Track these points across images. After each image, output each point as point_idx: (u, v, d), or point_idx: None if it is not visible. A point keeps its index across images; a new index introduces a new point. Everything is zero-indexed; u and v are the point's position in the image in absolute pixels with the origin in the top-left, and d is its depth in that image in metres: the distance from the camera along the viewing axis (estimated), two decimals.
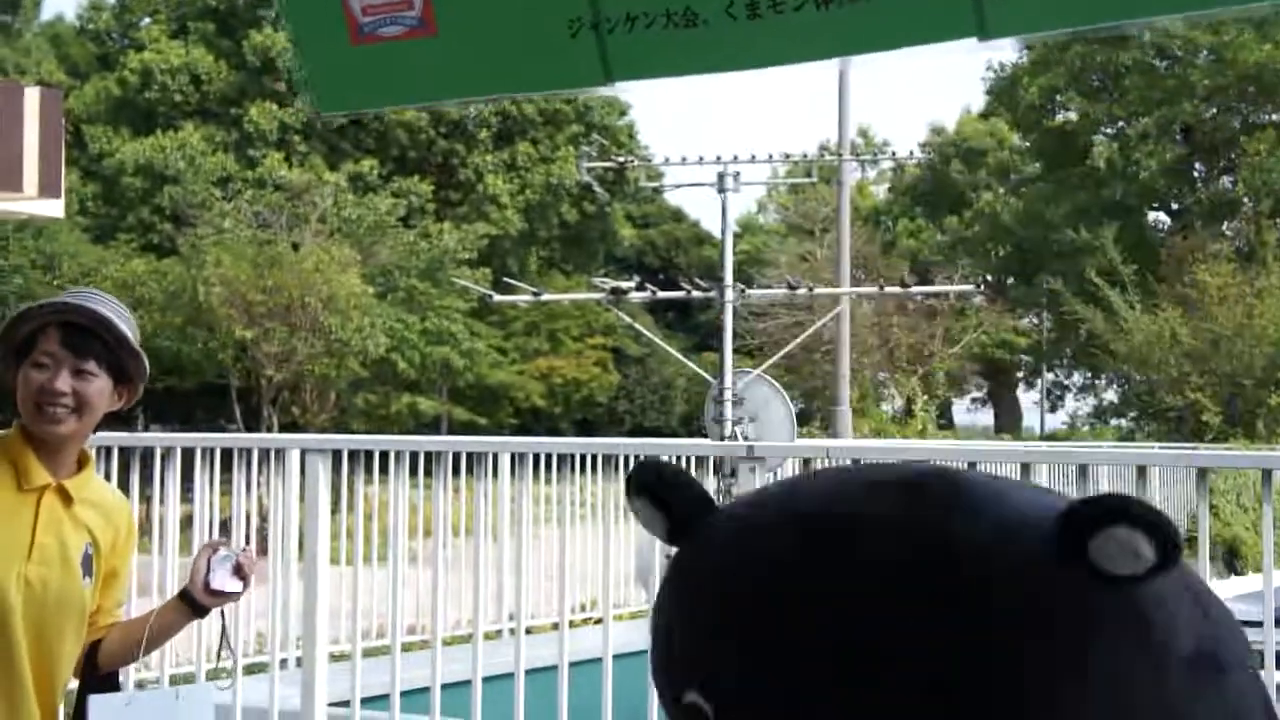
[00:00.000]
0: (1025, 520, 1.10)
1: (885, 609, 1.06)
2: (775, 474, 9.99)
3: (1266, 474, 3.99)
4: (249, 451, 5.97)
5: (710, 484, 9.59)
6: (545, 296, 22.43)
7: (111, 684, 3.06)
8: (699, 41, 2.09)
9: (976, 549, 1.08)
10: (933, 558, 1.07)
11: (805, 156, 21.63)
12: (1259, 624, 4.04)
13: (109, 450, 5.59)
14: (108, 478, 5.59)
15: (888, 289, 20.40)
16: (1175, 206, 41.21)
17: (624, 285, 17.15)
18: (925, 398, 30.48)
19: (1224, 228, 37.45)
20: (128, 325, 2.93)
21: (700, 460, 9.70)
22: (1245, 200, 38.80)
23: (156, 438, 6.17)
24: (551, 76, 2.27)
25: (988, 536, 1.09)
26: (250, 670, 5.84)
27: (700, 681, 1.15)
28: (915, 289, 26.35)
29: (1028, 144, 43.46)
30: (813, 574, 1.11)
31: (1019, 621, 1.05)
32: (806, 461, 5.80)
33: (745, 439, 10.76)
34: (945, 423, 40.82)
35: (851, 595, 1.08)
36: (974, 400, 51.40)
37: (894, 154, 38.43)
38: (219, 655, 6.31)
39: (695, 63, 2.13)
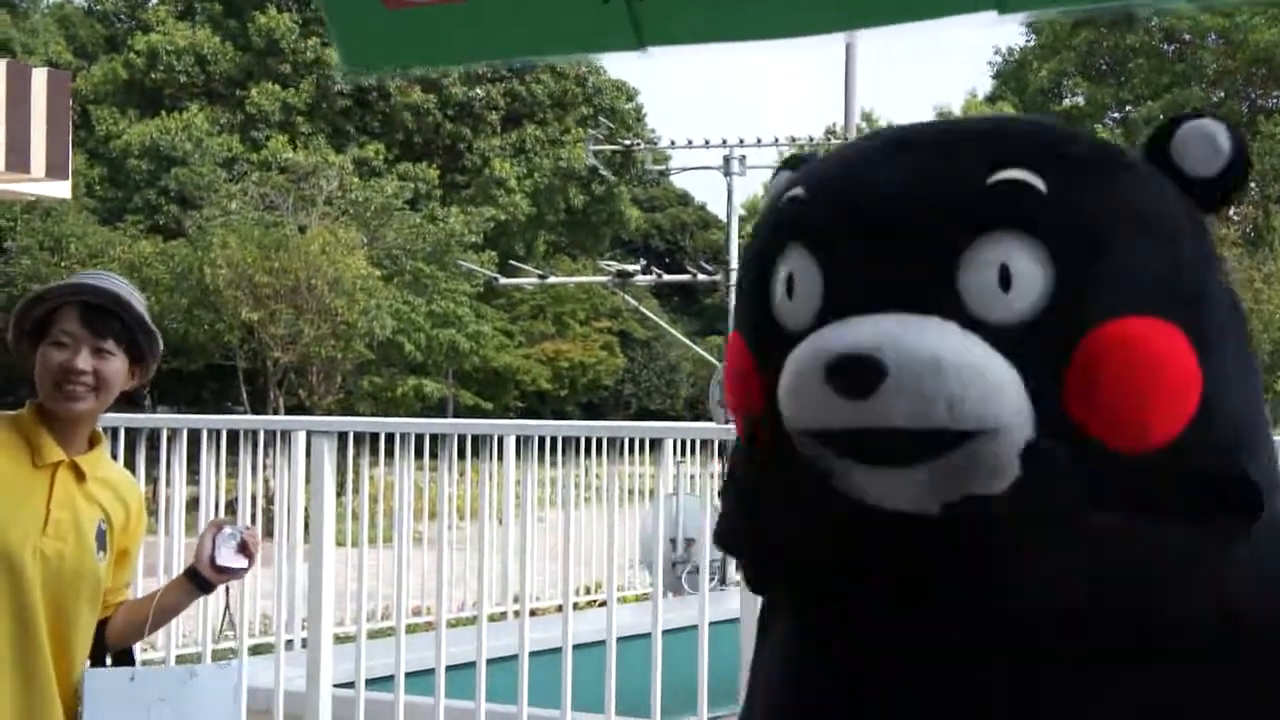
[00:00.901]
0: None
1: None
2: None
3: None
4: (255, 433, 5.98)
5: (715, 467, 9.60)
6: (551, 279, 22.47)
7: (125, 662, 3.08)
8: (728, 8, 2.10)
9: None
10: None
11: (811, 140, 21.60)
12: None
13: (115, 431, 5.61)
14: (114, 458, 5.61)
15: None
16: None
17: (630, 269, 17.17)
18: None
19: (1230, 212, 37.38)
20: (142, 306, 2.97)
21: (705, 443, 9.71)
22: (1252, 185, 38.76)
23: (163, 419, 6.18)
24: (582, 40, 2.26)
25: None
26: (255, 651, 5.87)
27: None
28: None
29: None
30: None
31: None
32: None
33: None
34: None
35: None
36: None
37: None
38: (221, 633, 6.34)
39: (724, 29, 2.14)
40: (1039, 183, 1.64)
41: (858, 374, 1.54)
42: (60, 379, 2.83)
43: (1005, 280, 1.61)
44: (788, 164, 1.88)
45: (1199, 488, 1.60)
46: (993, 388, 1.57)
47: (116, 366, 2.89)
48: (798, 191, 1.74)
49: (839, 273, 1.65)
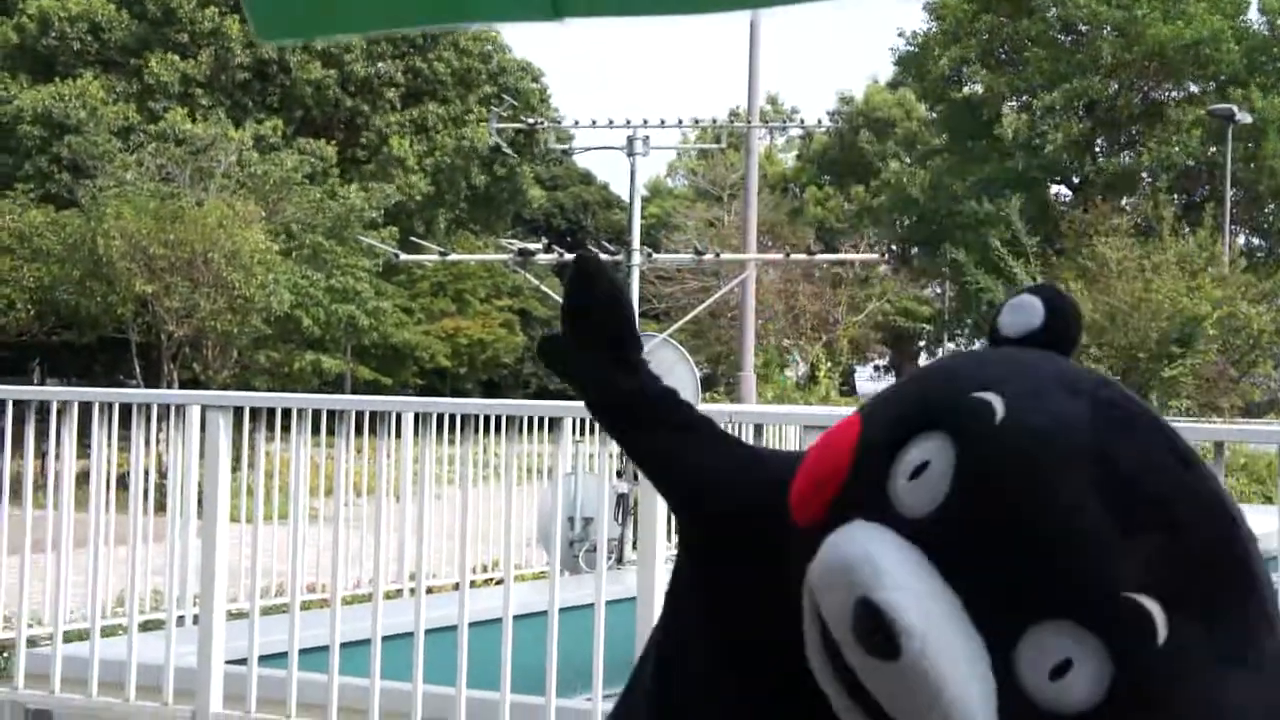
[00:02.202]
0: None
1: None
2: None
3: None
4: (149, 407, 5.89)
5: (614, 447, 9.61)
6: (452, 257, 22.33)
7: None
8: None
9: None
10: None
11: (714, 122, 21.66)
12: None
13: (3, 403, 5.50)
14: (1, 432, 5.49)
15: (794, 256, 20.52)
16: (1076, 180, 41.80)
17: (532, 247, 17.11)
18: (829, 364, 30.75)
19: (1123, 202, 38.05)
20: None
21: None
22: (1144, 175, 39.46)
23: (53, 391, 6.08)
24: (499, 7, 2.23)
25: None
26: (145, 627, 5.78)
27: None
28: (821, 256, 26.52)
29: (935, 115, 43.81)
30: None
31: None
32: None
33: None
34: (848, 389, 41.20)
35: None
36: (876, 368, 51.95)
37: (802, 122, 38.61)
38: (111, 609, 6.25)
39: (641, 3, 2.13)
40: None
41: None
42: None
43: (1058, 674, 1.29)
44: None
45: None
46: None
47: None
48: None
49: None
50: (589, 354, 1.71)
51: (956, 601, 1.23)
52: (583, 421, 9.08)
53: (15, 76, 30.55)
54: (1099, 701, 1.20)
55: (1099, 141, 41.73)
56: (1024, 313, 1.44)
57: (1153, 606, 1.20)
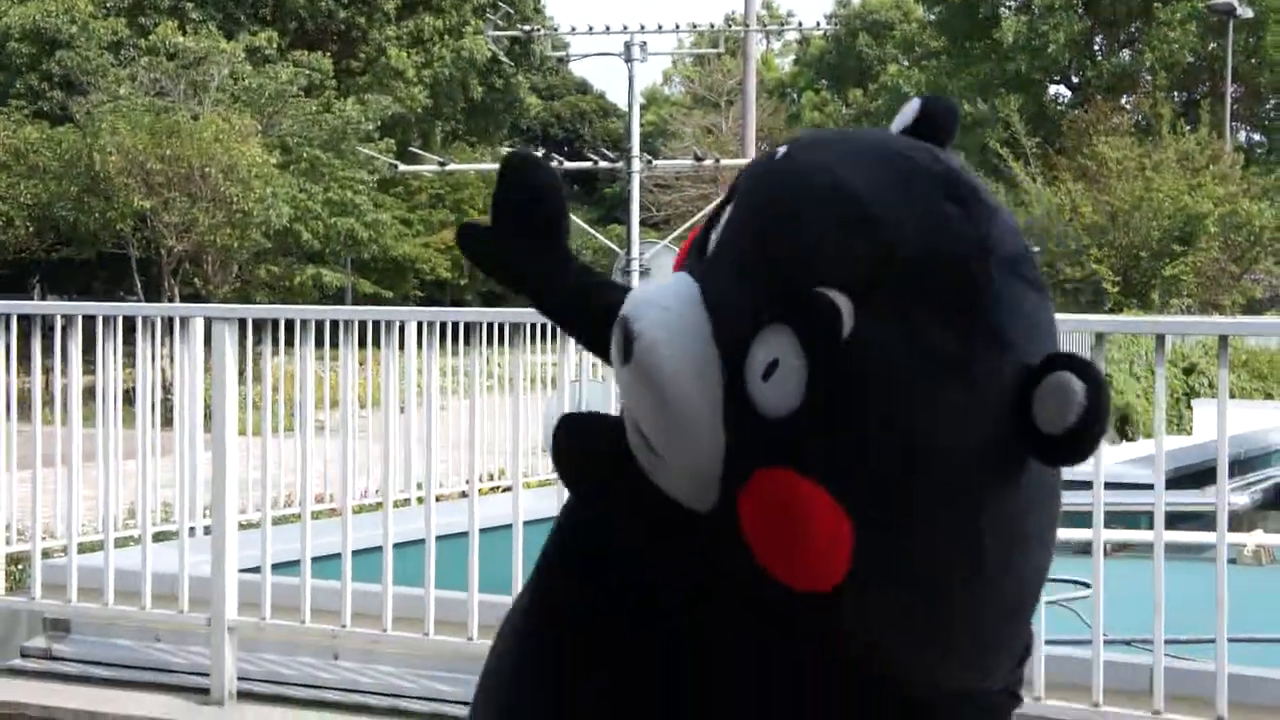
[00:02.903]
0: None
1: None
2: None
3: (1160, 339, 4.10)
4: (153, 321, 5.91)
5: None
6: (451, 167, 22.22)
7: None
8: None
9: None
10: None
11: (711, 27, 21.47)
12: (1150, 486, 4.17)
13: (7, 319, 5.52)
14: (7, 348, 5.52)
15: None
16: (1076, 80, 41.49)
17: None
18: None
19: (1123, 101, 37.79)
20: None
21: None
22: (1144, 73, 39.15)
23: (57, 306, 6.09)
24: None
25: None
26: (157, 538, 5.84)
27: None
28: None
29: (933, 16, 43.41)
30: None
31: None
32: None
33: None
34: None
35: None
36: None
37: (800, 25, 38.22)
38: (123, 521, 6.31)
39: None
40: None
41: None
42: None
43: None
44: None
45: None
46: None
47: None
48: None
49: None
50: (523, 242, 1.80)
51: (707, 322, 1.39)
52: None
53: None
54: (803, 401, 1.33)
55: (1098, 40, 41.37)
56: (907, 112, 1.57)
57: (840, 299, 1.32)
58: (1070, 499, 5.38)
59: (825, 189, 1.40)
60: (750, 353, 1.37)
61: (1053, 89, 42.40)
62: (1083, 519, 4.25)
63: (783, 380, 1.35)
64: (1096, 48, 41.41)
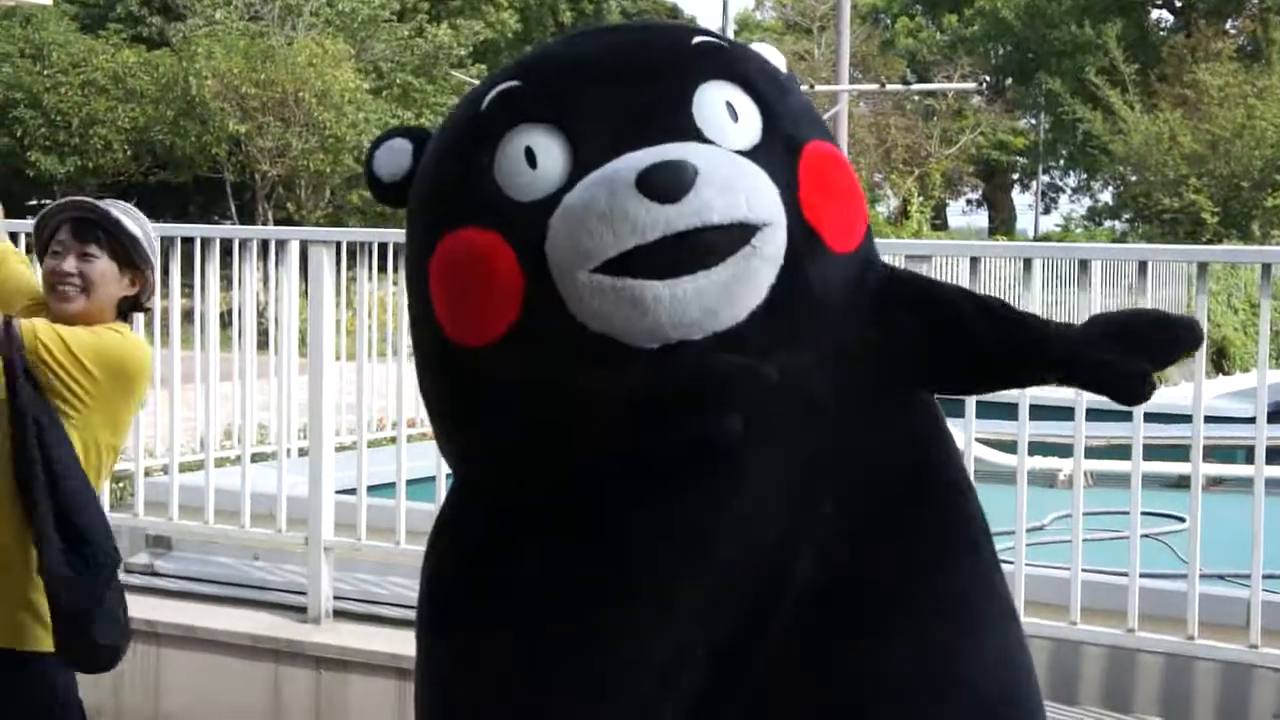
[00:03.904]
0: None
1: None
2: None
3: (1266, 269, 4.03)
4: (250, 244, 5.98)
5: None
6: None
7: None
8: None
9: None
10: None
11: None
12: (1251, 420, 4.11)
13: None
14: None
15: (888, 87, 20.14)
16: (1179, 4, 40.53)
17: None
18: (921, 199, 30.33)
19: (1227, 25, 36.89)
20: (139, 229, 3.40)
21: None
22: None
23: (158, 228, 6.16)
24: None
25: None
26: (255, 459, 5.93)
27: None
28: (915, 87, 26.09)
29: None
30: None
31: None
32: None
33: None
34: (940, 224, 40.72)
35: None
36: (969, 201, 51.17)
37: None
38: (221, 443, 6.41)
39: None
40: (725, 44, 2.07)
41: (675, 174, 1.77)
42: (54, 281, 3.30)
43: (733, 115, 1.94)
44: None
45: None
46: (767, 186, 1.86)
47: (101, 268, 3.31)
48: (510, 84, 2.00)
49: (583, 131, 1.90)
50: None
51: None
52: None
53: None
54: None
55: None
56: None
57: None
58: (1167, 432, 5.31)
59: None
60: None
61: (1155, 13, 41.46)
62: (1180, 452, 4.20)
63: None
64: None
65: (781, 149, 1.95)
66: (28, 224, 4.35)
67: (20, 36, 24.73)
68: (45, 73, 23.90)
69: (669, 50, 2.04)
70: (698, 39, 2.06)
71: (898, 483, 2.00)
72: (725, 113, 1.96)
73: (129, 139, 24.02)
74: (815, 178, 1.94)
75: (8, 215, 4.47)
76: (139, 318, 5.80)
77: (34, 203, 28.89)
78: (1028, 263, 4.29)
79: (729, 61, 2.03)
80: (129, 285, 3.38)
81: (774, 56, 2.12)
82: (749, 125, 1.96)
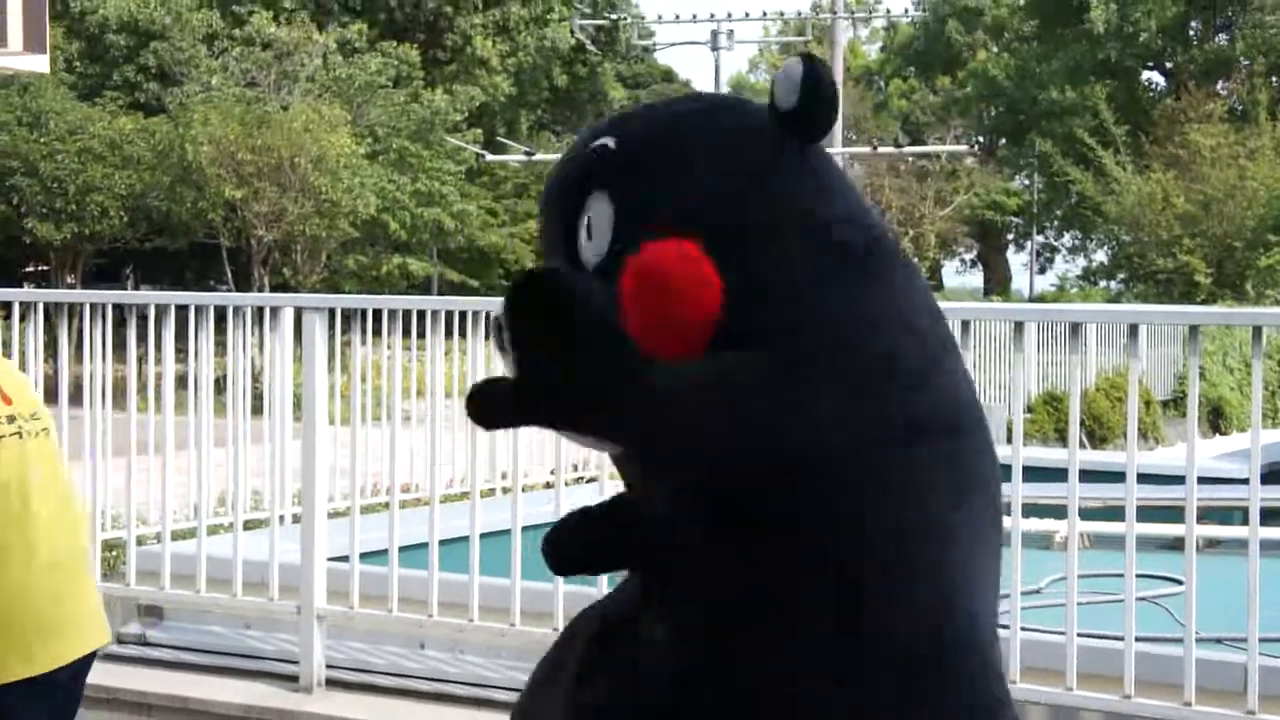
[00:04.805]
0: None
1: None
2: None
3: (1257, 331, 4.03)
4: (243, 310, 5.97)
5: None
6: (538, 156, 22.27)
7: None
8: None
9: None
10: None
11: (799, 15, 21.35)
12: (1245, 481, 4.10)
13: (103, 308, 5.60)
14: (103, 337, 5.60)
15: (880, 149, 20.24)
16: (1170, 66, 40.84)
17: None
18: (915, 259, 30.42)
19: (1218, 87, 37.15)
20: None
21: None
22: (1241, 59, 38.46)
23: (150, 296, 6.17)
24: None
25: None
26: (248, 526, 5.90)
27: None
28: (908, 149, 26.18)
29: (1024, 1, 42.90)
30: None
31: None
32: None
33: None
34: (935, 284, 40.83)
35: None
36: (963, 261, 51.35)
37: (888, 12, 37.96)
38: (214, 509, 6.39)
39: None
40: (612, 143, 2.00)
41: (501, 323, 1.88)
42: None
43: (589, 231, 1.97)
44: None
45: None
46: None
47: None
48: (607, 141, 2.04)
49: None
50: None
51: None
52: None
53: None
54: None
55: (1193, 25, 40.68)
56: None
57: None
58: (1162, 494, 5.31)
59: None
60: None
61: (1146, 75, 41.76)
62: (1175, 514, 4.18)
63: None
64: (1192, 33, 40.72)
65: (612, 267, 1.93)
66: (23, 293, 4.35)
67: (18, 104, 24.86)
68: (42, 140, 24.01)
69: (577, 163, 2.07)
70: (595, 142, 2.03)
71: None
72: (584, 232, 1.99)
73: (125, 205, 24.10)
74: (627, 293, 1.89)
75: (5, 282, 4.49)
76: (131, 386, 5.80)
77: (30, 269, 29.00)
78: (1019, 325, 4.29)
79: (603, 168, 2.00)
80: None
81: (792, 73, 1.98)
82: (599, 241, 1.98)
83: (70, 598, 3.23)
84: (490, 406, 1.89)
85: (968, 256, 50.48)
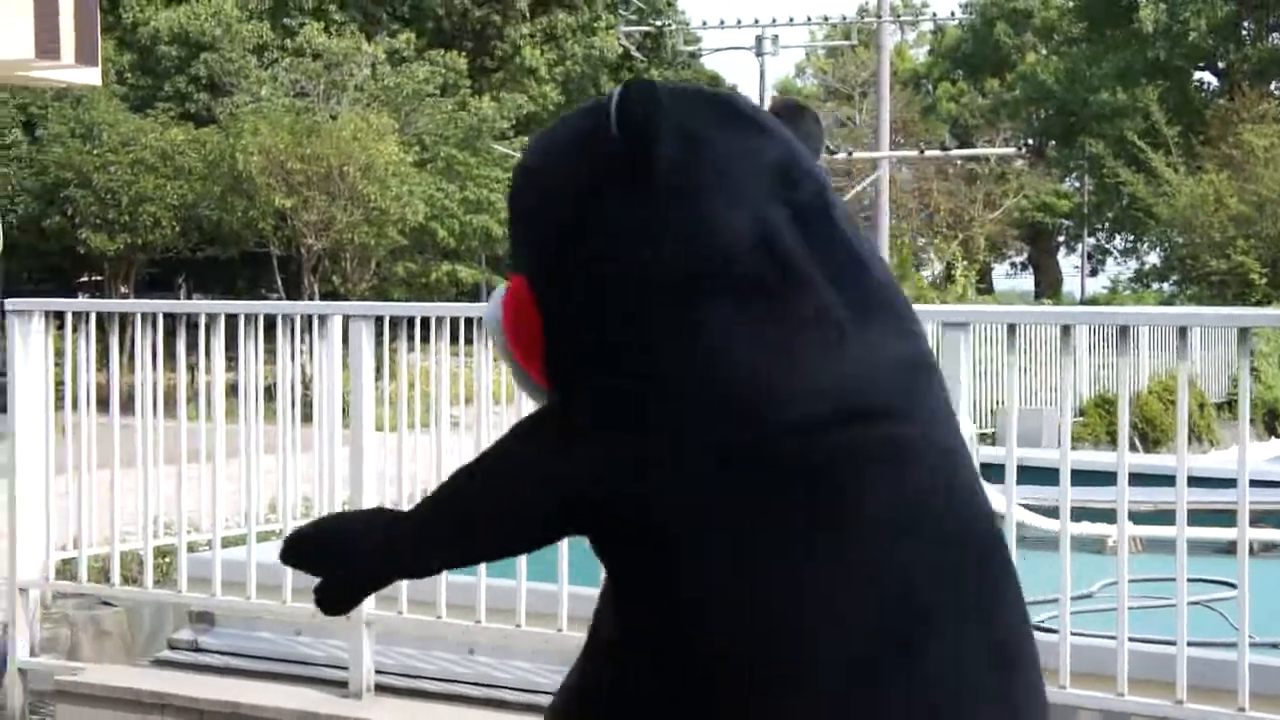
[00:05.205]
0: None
1: None
2: None
3: None
4: (292, 319, 6.01)
5: None
6: None
7: None
8: None
9: None
10: None
11: (844, 19, 21.32)
12: None
13: (154, 317, 5.65)
14: (154, 346, 5.65)
15: (927, 153, 20.14)
16: (1222, 66, 40.48)
17: None
18: (965, 262, 30.28)
19: (1272, 87, 36.79)
20: None
21: None
22: None
23: (200, 305, 6.22)
24: None
25: None
26: None
27: None
28: (955, 152, 26.10)
29: (1073, 3, 42.64)
30: None
31: None
32: None
33: None
34: (985, 287, 40.63)
35: None
36: (1014, 265, 51.08)
37: (935, 15, 37.81)
38: (265, 516, 6.43)
39: None
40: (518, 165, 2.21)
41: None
42: None
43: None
44: None
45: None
46: (496, 335, 2.09)
47: None
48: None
49: None
50: None
51: None
52: None
53: None
54: None
55: (1246, 25, 40.33)
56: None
57: None
58: (1216, 497, 5.28)
59: None
60: None
61: (1197, 75, 41.42)
62: (1229, 518, 4.14)
63: None
64: (1244, 32, 40.35)
65: None
66: (75, 302, 4.39)
67: (71, 117, 25.12)
68: (95, 152, 24.25)
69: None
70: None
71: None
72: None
73: (177, 215, 24.30)
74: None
75: (60, 292, 4.56)
76: (182, 394, 5.85)
77: (85, 279, 29.30)
78: (1066, 328, 4.26)
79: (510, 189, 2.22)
80: None
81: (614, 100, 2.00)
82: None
83: None
84: None
85: (1018, 260, 50.21)
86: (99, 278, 27.75)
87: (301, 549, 2.13)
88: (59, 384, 5.84)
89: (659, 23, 23.47)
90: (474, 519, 2.03)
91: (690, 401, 1.87)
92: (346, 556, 2.10)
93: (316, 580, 2.14)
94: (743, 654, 1.85)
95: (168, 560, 6.12)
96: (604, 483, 1.92)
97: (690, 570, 1.88)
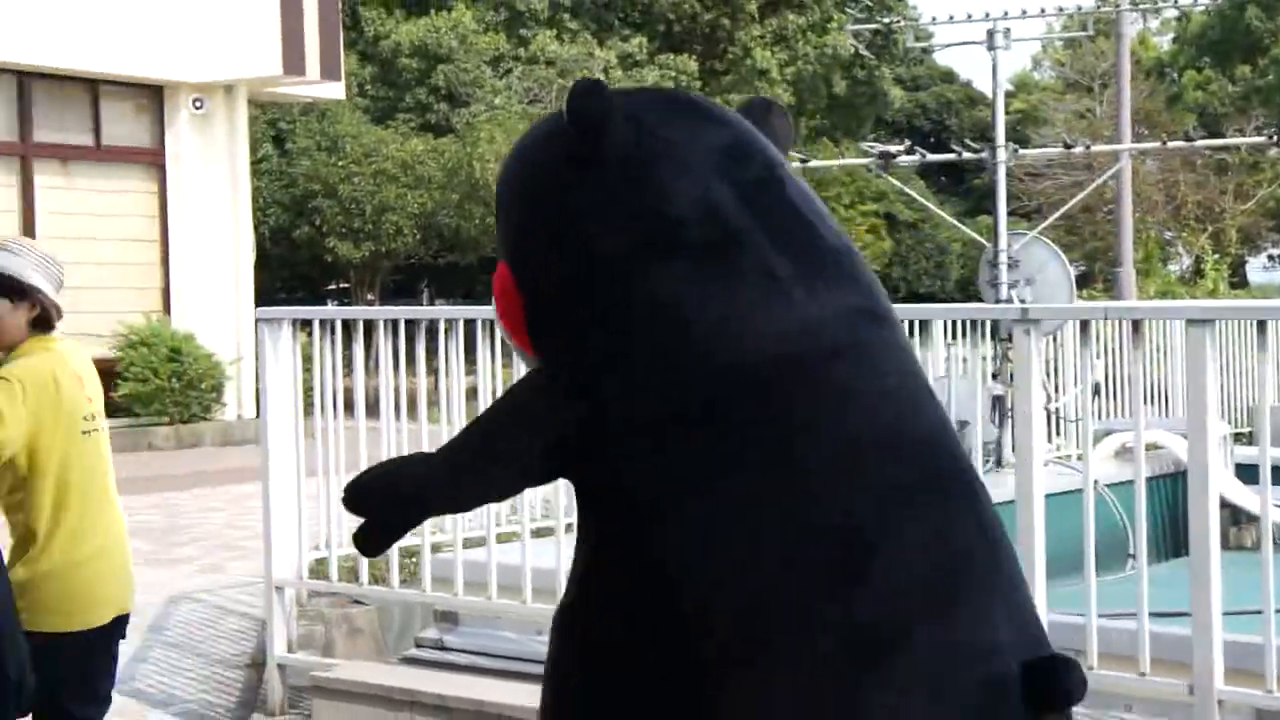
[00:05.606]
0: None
1: None
2: (1052, 337, 9.75)
3: None
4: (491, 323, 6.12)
5: (986, 349, 9.42)
6: (814, 163, 22.16)
7: None
8: None
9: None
10: None
11: (1080, 9, 20.74)
12: None
13: (395, 324, 5.80)
14: (395, 351, 5.79)
15: (1171, 144, 19.47)
16: None
17: (893, 150, 16.79)
18: (1216, 256, 29.16)
19: None
20: (14, 262, 3.84)
21: (975, 324, 9.50)
22: None
23: (439, 311, 6.38)
24: None
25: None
26: (537, 534, 6.03)
27: None
28: (1201, 142, 25.11)
29: None
30: None
31: None
32: (1084, 324, 5.66)
33: (1021, 302, 10.51)
34: (1238, 281, 39.10)
35: None
36: (1270, 258, 49.06)
37: (1177, 2, 36.51)
38: (506, 517, 6.55)
39: None
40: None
41: None
42: None
43: None
44: None
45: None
46: None
47: None
48: None
49: None
50: None
51: None
52: (954, 324, 8.97)
53: (391, 12, 31.83)
54: None
55: None
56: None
57: None
58: None
59: None
60: None
61: None
62: None
63: None
64: None
65: None
66: (322, 310, 4.54)
67: (317, 130, 25.98)
68: (340, 164, 25.02)
69: None
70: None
71: None
72: None
73: (418, 223, 24.92)
74: None
75: (310, 300, 4.73)
76: (422, 398, 6.01)
77: (332, 287, 30.28)
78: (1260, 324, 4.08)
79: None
80: (29, 309, 3.84)
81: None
82: None
83: (109, 575, 3.90)
84: None
85: (1275, 252, 48.20)
86: (345, 285, 28.66)
87: (359, 496, 2.27)
88: (308, 390, 6.04)
89: (888, 20, 23.18)
90: (486, 455, 2.22)
91: (641, 368, 2.04)
92: (393, 498, 2.26)
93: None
94: (715, 614, 1.97)
95: (414, 560, 6.29)
96: (575, 444, 2.10)
97: (660, 532, 2.01)
